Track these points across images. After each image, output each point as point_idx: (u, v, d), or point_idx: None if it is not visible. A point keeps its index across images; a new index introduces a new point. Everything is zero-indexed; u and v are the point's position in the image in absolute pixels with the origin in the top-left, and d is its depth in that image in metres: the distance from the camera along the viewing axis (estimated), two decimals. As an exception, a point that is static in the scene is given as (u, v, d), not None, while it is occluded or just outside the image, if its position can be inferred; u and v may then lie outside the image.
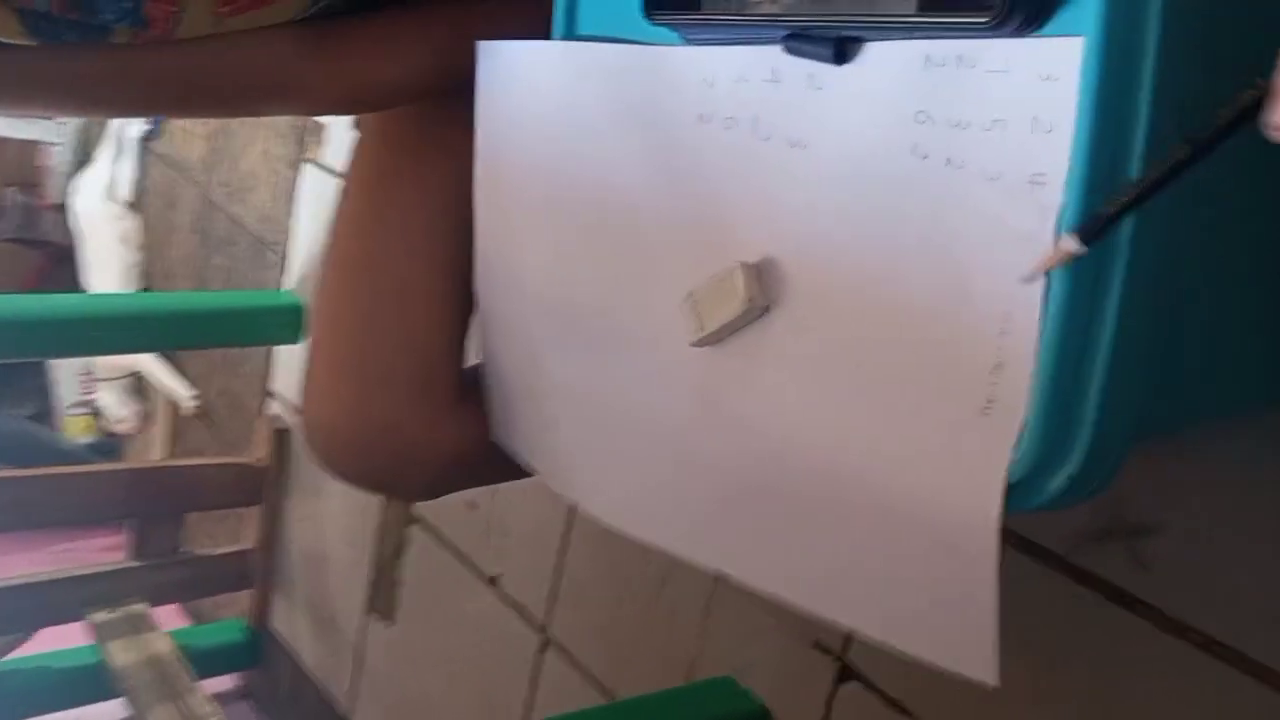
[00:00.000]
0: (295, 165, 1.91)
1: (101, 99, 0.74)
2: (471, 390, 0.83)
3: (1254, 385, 0.65)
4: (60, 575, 1.77)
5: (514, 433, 0.77)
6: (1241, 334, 0.61)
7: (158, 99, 0.77)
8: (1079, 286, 0.44)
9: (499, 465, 0.81)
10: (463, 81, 0.74)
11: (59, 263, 2.72)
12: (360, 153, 0.88)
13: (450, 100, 0.81)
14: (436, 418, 0.81)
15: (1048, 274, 0.44)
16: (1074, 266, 0.44)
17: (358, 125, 0.92)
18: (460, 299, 0.82)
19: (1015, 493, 0.46)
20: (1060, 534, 0.86)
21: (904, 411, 0.50)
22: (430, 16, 0.78)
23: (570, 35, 0.66)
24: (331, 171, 1.82)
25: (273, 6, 0.72)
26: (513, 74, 0.68)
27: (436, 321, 0.82)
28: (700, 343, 0.57)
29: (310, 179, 1.88)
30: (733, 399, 0.58)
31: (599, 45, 0.63)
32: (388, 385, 0.80)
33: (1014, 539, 0.88)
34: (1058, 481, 0.46)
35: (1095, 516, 0.83)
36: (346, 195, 0.87)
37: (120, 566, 1.86)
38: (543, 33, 0.69)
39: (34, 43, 0.63)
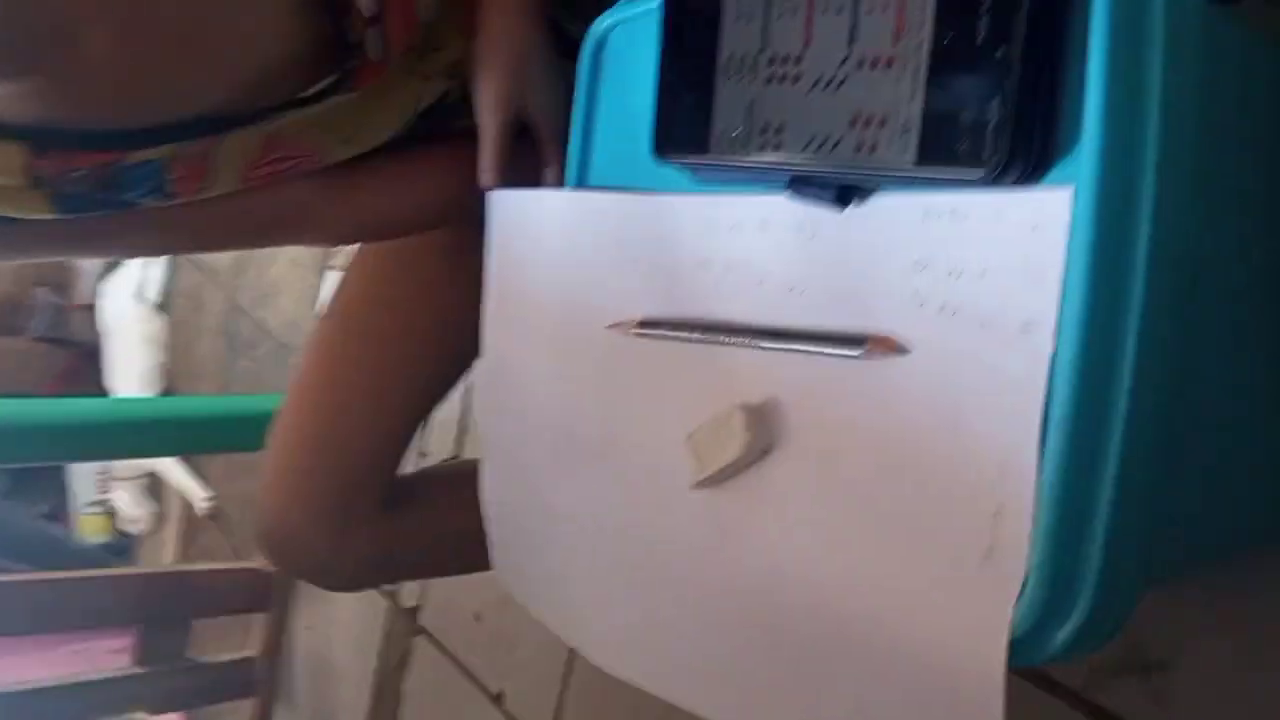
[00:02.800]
0: (320, 272, 1.94)
1: (118, 248, 0.79)
2: (402, 500, 0.90)
3: (1262, 521, 0.64)
4: (64, 682, 1.75)
5: (515, 572, 0.76)
6: (1246, 470, 0.60)
7: (177, 244, 0.82)
8: (1078, 430, 0.44)
9: (419, 566, 0.93)
10: (463, 214, 0.77)
11: (88, 362, 2.76)
12: (345, 278, 0.93)
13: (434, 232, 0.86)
14: (343, 535, 0.87)
15: (1045, 420, 0.44)
16: (1074, 410, 0.44)
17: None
18: (396, 427, 0.89)
19: (1021, 646, 0.45)
20: (1076, 669, 0.84)
21: (906, 557, 0.49)
22: (435, 160, 0.82)
23: (582, 185, 0.68)
24: (354, 280, 1.86)
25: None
26: (523, 219, 0.70)
27: (366, 449, 0.88)
28: (701, 484, 0.57)
29: (333, 286, 1.92)
30: (736, 540, 0.57)
31: (606, 194, 0.65)
32: (300, 502, 0.87)
33: (1029, 673, 0.86)
34: (1064, 634, 0.45)
35: (1111, 651, 0.82)
36: (325, 315, 0.93)
37: (124, 674, 1.84)
38: (529, 178, 0.74)
39: (60, 216, 0.66)
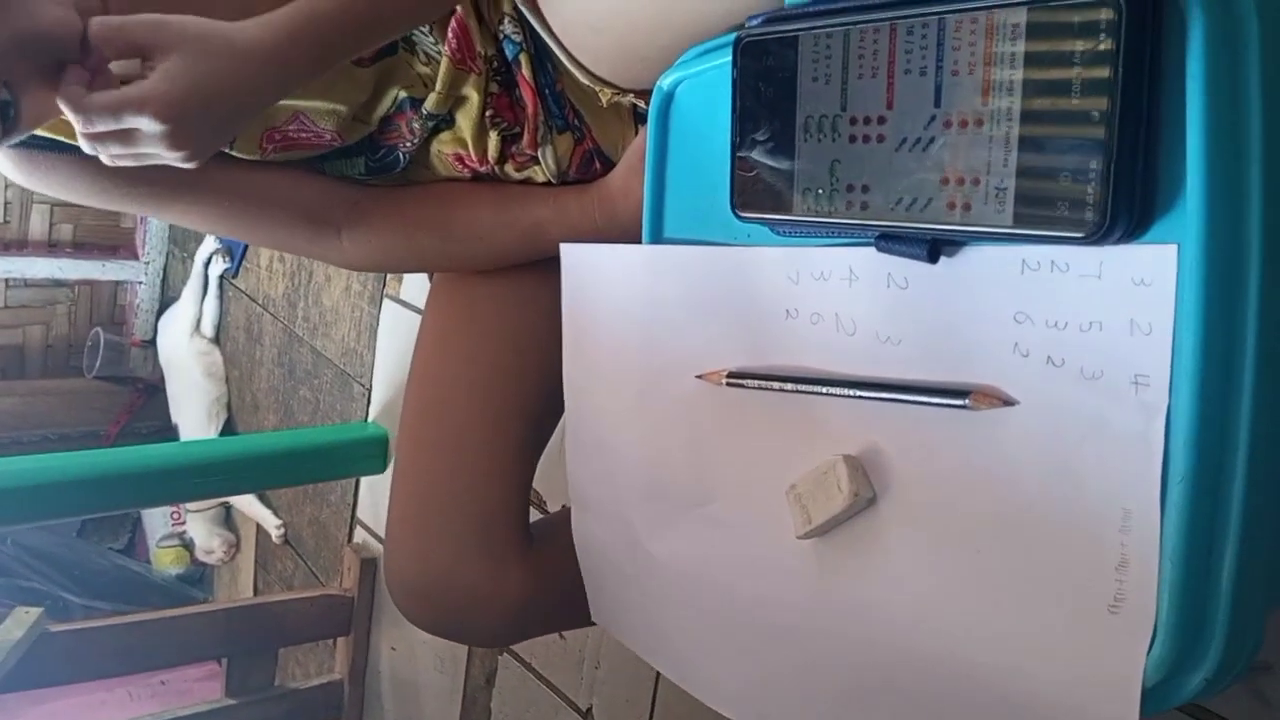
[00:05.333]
0: (376, 301, 1.96)
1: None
2: (541, 542, 0.86)
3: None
4: (161, 718, 1.79)
5: (617, 618, 0.77)
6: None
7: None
8: (1200, 483, 0.44)
9: (570, 612, 0.83)
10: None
11: (150, 397, 2.81)
12: (429, 309, 0.93)
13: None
14: (498, 567, 0.83)
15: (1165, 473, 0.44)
16: (1194, 463, 0.44)
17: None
18: (519, 450, 0.87)
19: (1153, 695, 0.46)
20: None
21: (1028, 608, 0.49)
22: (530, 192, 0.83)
23: (657, 239, 0.68)
24: (411, 307, 1.88)
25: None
26: (598, 274, 0.71)
27: (495, 473, 0.85)
28: (807, 536, 0.58)
29: (391, 314, 1.94)
30: (846, 590, 0.58)
31: (684, 248, 0.65)
32: (448, 535, 0.83)
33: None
34: (1196, 682, 0.46)
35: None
36: (418, 348, 0.93)
37: (216, 706, 1.88)
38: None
39: (368, 177, 0.86)
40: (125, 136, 0.59)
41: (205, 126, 0.61)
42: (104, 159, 0.61)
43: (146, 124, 0.58)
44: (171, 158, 0.61)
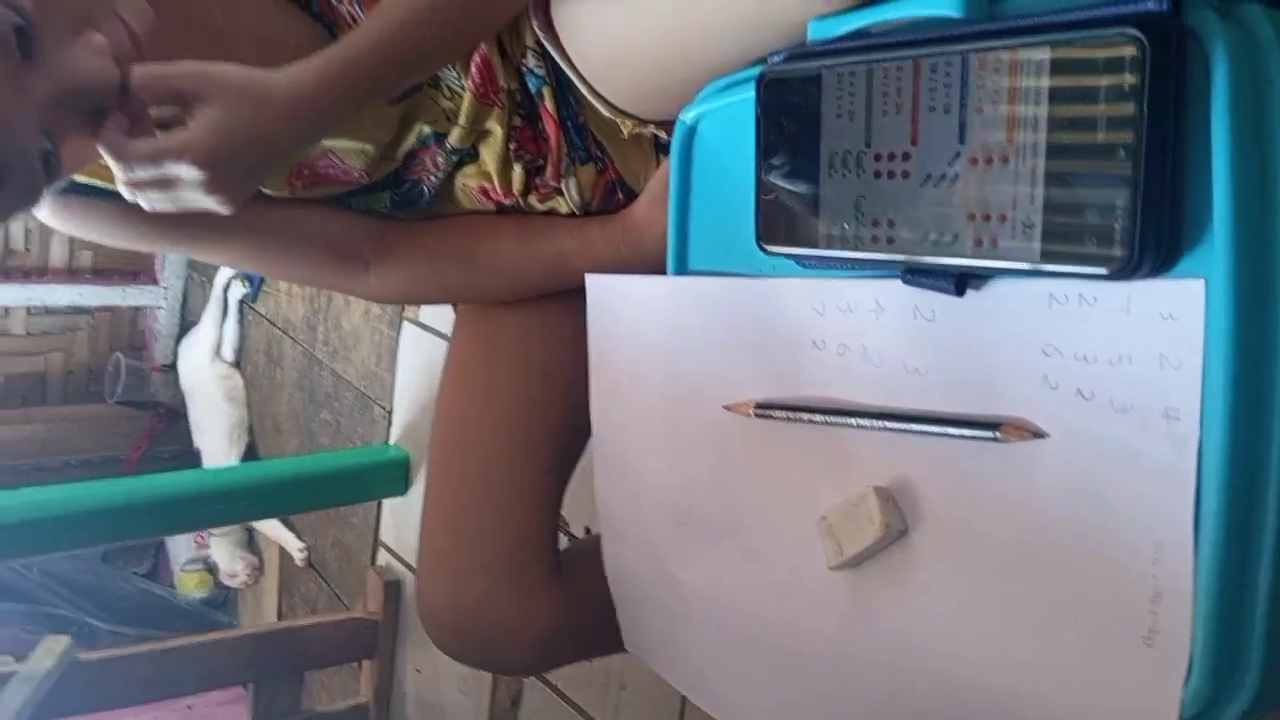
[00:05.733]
0: (396, 324, 1.98)
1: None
2: (570, 569, 0.87)
3: None
4: (190, 746, 1.80)
5: (651, 647, 0.78)
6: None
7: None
8: (1233, 516, 0.44)
9: (598, 640, 0.84)
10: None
11: (171, 422, 2.83)
12: (454, 340, 0.94)
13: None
14: (529, 596, 0.84)
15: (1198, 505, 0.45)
16: (1227, 496, 0.44)
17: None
18: (546, 480, 0.88)
19: (1188, 727, 0.46)
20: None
21: (1060, 640, 0.50)
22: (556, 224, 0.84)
23: (682, 270, 0.69)
24: (431, 330, 1.89)
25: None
26: (623, 304, 0.71)
27: (522, 504, 0.86)
28: (839, 567, 0.58)
29: (411, 337, 1.95)
30: (878, 621, 0.58)
31: (709, 279, 0.66)
32: (477, 568, 0.84)
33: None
34: (1231, 714, 0.46)
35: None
36: (444, 380, 0.94)
37: (245, 731, 1.89)
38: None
39: (394, 211, 0.88)
40: (165, 183, 0.61)
41: (242, 172, 0.63)
42: (144, 205, 0.63)
43: (186, 171, 0.60)
44: (210, 203, 0.63)
